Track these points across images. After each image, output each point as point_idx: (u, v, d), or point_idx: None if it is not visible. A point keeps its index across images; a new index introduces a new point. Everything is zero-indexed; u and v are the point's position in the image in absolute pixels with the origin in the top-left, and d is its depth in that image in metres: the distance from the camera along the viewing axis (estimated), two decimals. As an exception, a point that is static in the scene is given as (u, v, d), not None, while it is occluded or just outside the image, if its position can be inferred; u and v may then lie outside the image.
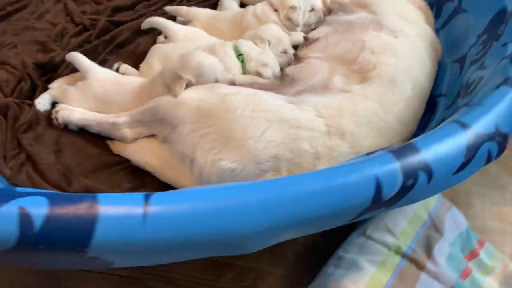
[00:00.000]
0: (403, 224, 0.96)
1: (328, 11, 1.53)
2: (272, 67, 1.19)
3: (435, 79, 1.35)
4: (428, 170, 0.66)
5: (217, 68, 1.13)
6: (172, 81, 1.10)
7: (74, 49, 1.43)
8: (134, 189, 1.07)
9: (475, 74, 1.08)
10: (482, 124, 0.74)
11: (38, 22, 1.61)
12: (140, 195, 0.56)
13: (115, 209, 0.55)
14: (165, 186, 1.08)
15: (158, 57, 1.32)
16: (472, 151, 0.71)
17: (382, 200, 0.64)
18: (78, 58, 1.27)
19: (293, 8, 1.37)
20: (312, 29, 1.44)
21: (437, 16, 1.54)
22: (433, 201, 1.02)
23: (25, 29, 1.56)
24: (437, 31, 1.51)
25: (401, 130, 1.07)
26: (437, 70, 1.34)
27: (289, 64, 1.29)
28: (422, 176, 0.66)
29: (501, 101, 0.79)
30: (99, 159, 1.14)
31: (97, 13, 1.65)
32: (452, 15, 1.47)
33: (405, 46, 1.18)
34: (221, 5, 1.67)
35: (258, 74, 1.18)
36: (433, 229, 0.97)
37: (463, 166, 0.70)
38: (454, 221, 1.01)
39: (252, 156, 0.93)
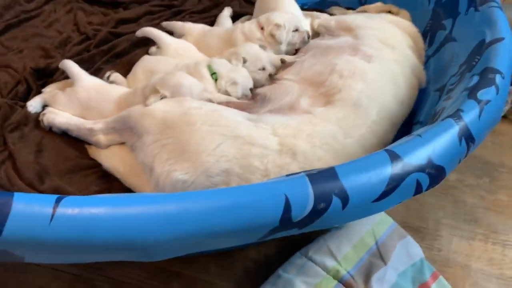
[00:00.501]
0: (347, 248, 0.95)
1: (316, 34, 1.56)
2: (242, 84, 1.22)
3: (416, 106, 1.34)
4: (343, 196, 0.66)
5: (195, 89, 1.18)
6: (149, 93, 1.16)
7: (73, 57, 1.52)
8: (99, 192, 1.12)
9: (441, 104, 1.07)
10: (413, 155, 0.73)
11: (47, 30, 1.73)
12: (53, 197, 0.60)
13: (26, 207, 0.59)
14: (130, 192, 1.12)
15: (142, 68, 1.39)
16: (396, 181, 0.70)
17: (292, 221, 0.65)
18: (69, 65, 1.35)
19: (277, 25, 1.40)
20: (296, 50, 1.47)
21: (430, 43, 1.53)
22: (383, 229, 1.01)
23: (34, 36, 1.68)
24: (428, 58, 1.50)
25: (363, 155, 1.06)
26: (418, 97, 1.34)
27: (267, 80, 1.32)
28: (336, 201, 0.66)
29: (441, 133, 0.78)
30: (75, 161, 1.21)
31: (102, 24, 1.75)
32: (442, 43, 1.46)
33: (377, 71, 1.18)
34: (217, 22, 1.74)
35: (227, 92, 1.22)
36: (377, 257, 0.95)
37: (384, 195, 0.70)
38: (407, 251, 0.99)
39: (204, 169, 0.95)
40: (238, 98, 1.21)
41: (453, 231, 1.19)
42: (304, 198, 0.65)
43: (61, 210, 0.59)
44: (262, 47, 1.36)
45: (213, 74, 1.23)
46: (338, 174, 0.68)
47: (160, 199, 0.63)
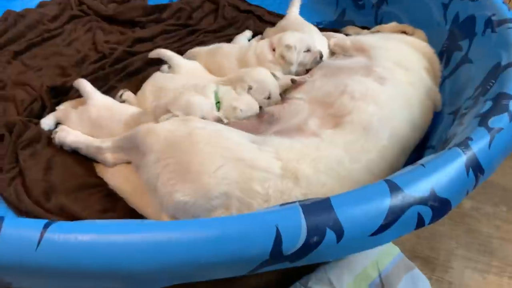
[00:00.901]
0: (348, 280, 0.91)
1: (331, 53, 1.54)
2: (244, 111, 1.22)
3: (430, 129, 1.30)
4: (338, 229, 0.64)
5: (205, 107, 1.19)
6: (160, 114, 1.18)
7: (88, 75, 1.56)
8: (103, 212, 1.12)
9: (453, 130, 1.02)
10: (415, 187, 0.70)
11: (67, 48, 1.79)
12: (41, 222, 0.60)
13: (15, 232, 0.59)
14: (133, 212, 1.12)
15: (151, 85, 1.41)
16: (395, 214, 0.67)
17: (283, 255, 0.62)
18: (83, 84, 1.38)
19: (287, 47, 1.40)
20: (307, 70, 1.45)
21: (446, 64, 1.49)
22: (388, 259, 0.96)
23: (53, 55, 1.74)
24: (444, 79, 1.46)
25: (371, 181, 1.01)
26: (432, 120, 1.29)
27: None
28: (330, 235, 0.63)
29: (446, 163, 0.75)
30: (82, 179, 1.22)
31: (118, 43, 1.79)
32: (459, 64, 1.41)
33: (390, 94, 1.15)
34: (234, 41, 1.76)
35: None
36: (381, 290, 0.91)
37: (383, 228, 0.66)
38: (414, 284, 0.93)
39: (204, 191, 0.94)
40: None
41: (466, 263, 1.12)
42: (296, 230, 0.63)
43: (48, 235, 0.59)
44: (272, 73, 1.35)
45: (217, 103, 1.24)
46: (333, 205, 0.66)
47: (147, 227, 0.62)
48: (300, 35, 1.48)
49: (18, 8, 1.99)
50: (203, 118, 1.15)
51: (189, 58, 1.58)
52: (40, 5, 2.06)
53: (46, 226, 0.60)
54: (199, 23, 2.00)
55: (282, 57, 1.41)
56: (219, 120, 1.18)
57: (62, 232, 0.60)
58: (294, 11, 1.72)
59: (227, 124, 1.16)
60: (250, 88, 1.26)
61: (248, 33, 1.80)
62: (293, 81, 1.31)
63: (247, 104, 1.23)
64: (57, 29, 1.89)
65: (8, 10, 1.94)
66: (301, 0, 1.79)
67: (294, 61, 1.40)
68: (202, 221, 0.66)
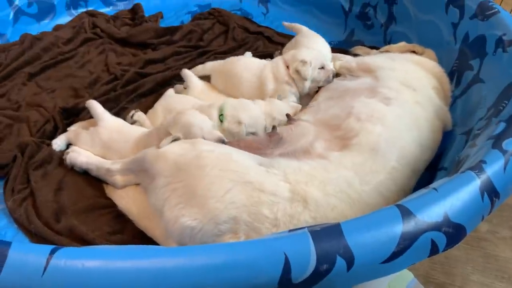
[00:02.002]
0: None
1: (337, 75, 1.54)
2: (249, 125, 1.22)
3: (441, 150, 1.28)
4: (348, 256, 0.62)
5: (205, 126, 1.18)
6: (163, 135, 1.18)
7: (100, 97, 1.59)
8: (112, 233, 1.12)
9: (466, 151, 1.00)
10: (428, 212, 0.68)
11: (79, 70, 1.82)
12: (48, 248, 0.60)
13: (22, 257, 0.59)
14: (141, 234, 1.12)
15: (162, 105, 1.43)
16: (408, 240, 0.65)
17: (292, 283, 0.61)
18: (94, 106, 1.40)
19: (302, 62, 1.42)
20: (318, 88, 1.46)
21: (457, 83, 1.47)
22: (402, 285, 0.93)
23: (67, 76, 1.78)
24: (455, 99, 1.44)
25: (381, 204, 1.00)
26: (443, 140, 1.27)
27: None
28: (341, 262, 0.61)
29: (460, 187, 0.73)
30: (92, 200, 1.22)
31: (130, 65, 1.83)
32: (470, 84, 1.39)
33: (397, 114, 1.14)
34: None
35: (233, 133, 1.23)
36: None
37: (395, 255, 0.64)
38: (428, 312, 0.90)
39: (212, 215, 0.93)
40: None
41: (484, 289, 1.08)
42: (306, 258, 0.61)
43: (54, 261, 0.59)
44: (279, 97, 1.36)
45: (220, 115, 1.23)
46: (343, 231, 0.64)
47: (154, 253, 0.62)
48: (316, 52, 1.51)
49: (35, 31, 2.06)
50: (203, 138, 1.14)
51: (204, 73, 1.62)
52: (55, 28, 2.12)
53: (52, 252, 0.60)
54: (210, 45, 2.03)
55: (297, 71, 1.42)
56: (220, 140, 1.16)
57: (68, 258, 0.60)
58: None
59: (229, 143, 1.15)
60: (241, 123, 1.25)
61: (248, 55, 1.81)
62: (288, 116, 1.30)
63: (252, 118, 1.22)
64: (71, 51, 1.93)
65: (25, 33, 2.00)
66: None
67: (309, 77, 1.42)
68: (209, 247, 0.65)
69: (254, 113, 1.25)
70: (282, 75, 1.46)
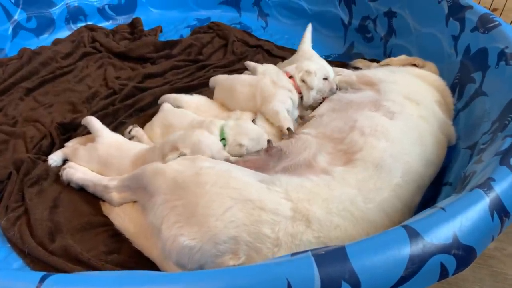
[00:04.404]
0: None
1: (338, 89, 1.53)
2: (251, 147, 1.21)
3: (446, 164, 1.25)
4: (354, 281, 0.59)
5: (214, 147, 1.18)
6: (169, 151, 1.16)
7: (98, 111, 1.57)
8: (107, 253, 1.09)
9: (472, 167, 0.97)
10: (436, 233, 0.65)
11: (78, 85, 1.81)
12: (37, 275, 0.57)
13: (10, 285, 0.56)
14: (138, 254, 1.08)
15: (160, 121, 1.40)
16: (416, 264, 0.62)
17: (294, 310, 0.58)
18: (92, 122, 1.38)
19: (308, 72, 1.44)
20: (323, 98, 1.45)
21: (460, 96, 1.46)
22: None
23: (65, 91, 1.76)
24: (458, 112, 1.42)
25: (385, 222, 0.97)
26: (447, 154, 1.25)
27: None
28: (346, 288, 0.59)
29: (469, 206, 0.70)
30: (88, 218, 1.19)
31: (129, 79, 1.81)
32: (473, 97, 1.37)
33: (401, 129, 1.12)
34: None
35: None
36: None
37: (403, 280, 0.61)
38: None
39: (211, 235, 0.90)
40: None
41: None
42: (309, 284, 0.58)
43: (44, 290, 0.56)
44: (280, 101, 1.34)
45: (222, 139, 1.22)
46: (348, 255, 0.61)
47: (150, 280, 0.58)
48: (318, 64, 1.51)
49: (34, 46, 2.05)
50: (212, 157, 1.12)
51: (212, 86, 1.61)
52: (54, 43, 2.11)
53: (42, 280, 0.57)
54: (209, 59, 2.02)
55: (303, 81, 1.43)
56: (228, 160, 1.16)
57: (58, 286, 0.56)
58: (306, 43, 1.74)
59: (235, 162, 1.14)
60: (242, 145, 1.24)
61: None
62: (301, 117, 1.29)
63: (253, 140, 1.21)
64: (69, 65, 1.92)
65: (24, 48, 1.99)
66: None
67: (315, 86, 1.42)
68: (209, 272, 0.62)
69: (254, 135, 1.24)
70: (283, 82, 1.45)
